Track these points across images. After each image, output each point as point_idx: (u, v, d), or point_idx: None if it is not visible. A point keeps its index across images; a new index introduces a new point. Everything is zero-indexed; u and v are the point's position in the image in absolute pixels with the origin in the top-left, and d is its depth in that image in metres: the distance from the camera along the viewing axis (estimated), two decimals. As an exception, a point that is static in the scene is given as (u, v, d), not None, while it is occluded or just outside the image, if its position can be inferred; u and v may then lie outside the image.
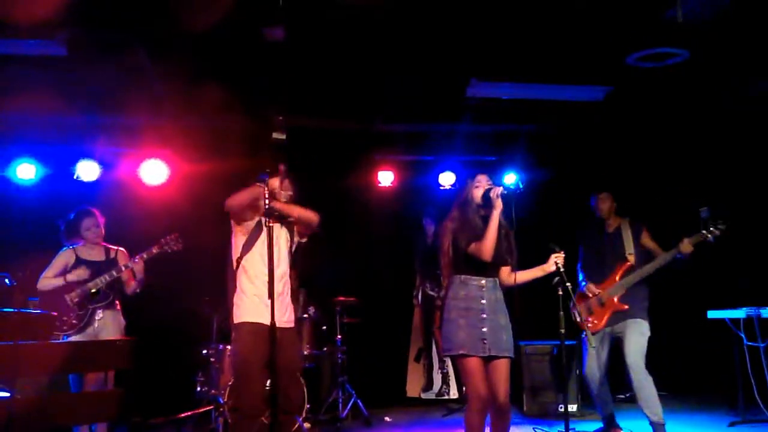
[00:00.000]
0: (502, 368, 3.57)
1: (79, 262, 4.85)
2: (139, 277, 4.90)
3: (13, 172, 6.13)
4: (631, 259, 4.81)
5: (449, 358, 4.83)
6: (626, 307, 4.74)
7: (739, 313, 5.37)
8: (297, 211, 3.78)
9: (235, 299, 3.72)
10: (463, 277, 3.64)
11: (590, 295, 4.89)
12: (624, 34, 4.71)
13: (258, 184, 3.51)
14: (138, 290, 4.93)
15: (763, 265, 6.17)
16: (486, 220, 3.59)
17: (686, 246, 4.56)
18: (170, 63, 4.97)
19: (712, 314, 5.61)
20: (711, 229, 4.54)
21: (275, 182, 3.68)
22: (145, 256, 4.83)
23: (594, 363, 4.89)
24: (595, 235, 5.05)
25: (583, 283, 5.00)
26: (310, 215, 3.84)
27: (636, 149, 6.82)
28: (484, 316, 3.57)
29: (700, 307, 5.75)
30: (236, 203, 3.64)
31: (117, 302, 4.90)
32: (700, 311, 5.73)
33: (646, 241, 4.87)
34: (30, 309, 4.76)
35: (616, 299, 4.79)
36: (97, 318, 4.77)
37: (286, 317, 3.72)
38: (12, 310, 3.71)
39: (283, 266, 3.77)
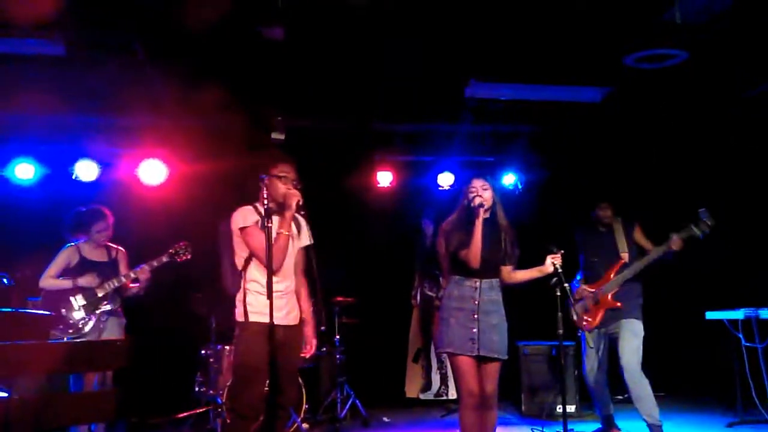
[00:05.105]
0: (491, 369, 3.64)
1: (83, 261, 4.80)
2: (144, 285, 4.84)
3: (12, 171, 6.11)
4: (625, 257, 4.87)
5: (447, 358, 4.85)
6: (619, 304, 4.77)
7: (738, 314, 5.38)
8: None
9: (247, 297, 3.59)
10: (457, 277, 3.70)
11: (584, 294, 4.92)
12: (622, 35, 4.72)
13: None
14: (141, 293, 4.90)
15: (761, 266, 6.17)
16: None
17: (676, 242, 4.59)
18: (169, 63, 4.97)
19: (710, 315, 5.63)
20: (699, 224, 4.56)
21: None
22: (155, 264, 4.81)
23: (593, 363, 4.92)
24: (590, 235, 5.09)
25: (576, 284, 5.03)
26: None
27: (634, 150, 6.83)
28: (476, 316, 3.61)
29: (698, 308, 5.76)
30: (282, 260, 3.61)
31: (119, 307, 4.89)
32: (698, 312, 5.75)
33: (639, 238, 4.92)
34: (29, 309, 4.73)
35: (609, 296, 4.82)
36: (102, 320, 4.75)
37: (292, 315, 3.70)
38: (9, 309, 3.70)
39: (290, 263, 3.73)
